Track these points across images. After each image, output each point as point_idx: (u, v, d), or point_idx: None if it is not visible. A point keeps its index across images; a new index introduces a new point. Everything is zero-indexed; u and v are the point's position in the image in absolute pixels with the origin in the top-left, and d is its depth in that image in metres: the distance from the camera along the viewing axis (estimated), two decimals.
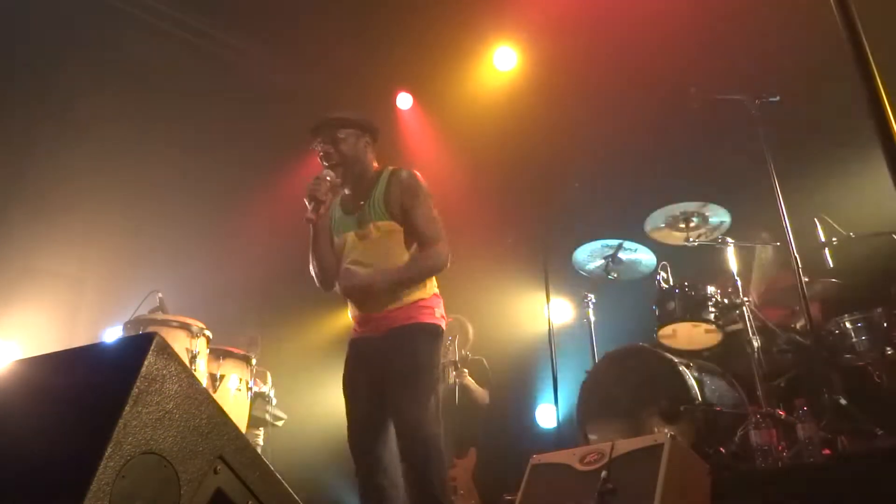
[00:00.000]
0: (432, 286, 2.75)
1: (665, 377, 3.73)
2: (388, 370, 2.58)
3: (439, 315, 2.72)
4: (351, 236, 2.71)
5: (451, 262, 2.71)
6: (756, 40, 4.74)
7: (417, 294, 2.66)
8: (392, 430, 2.57)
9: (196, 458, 1.16)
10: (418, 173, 2.74)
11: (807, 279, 3.61)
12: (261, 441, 4.94)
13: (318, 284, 2.85)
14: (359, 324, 2.76)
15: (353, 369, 2.74)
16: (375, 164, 2.82)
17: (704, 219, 4.16)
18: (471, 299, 5.32)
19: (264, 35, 5.72)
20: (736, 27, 4.78)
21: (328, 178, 2.66)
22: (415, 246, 2.68)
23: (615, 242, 4.53)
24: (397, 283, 2.60)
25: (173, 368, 1.17)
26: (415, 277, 2.63)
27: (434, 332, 2.67)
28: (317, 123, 2.76)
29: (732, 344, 3.99)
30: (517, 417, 5.76)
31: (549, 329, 4.63)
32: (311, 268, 2.82)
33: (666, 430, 3.50)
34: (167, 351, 1.17)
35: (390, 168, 2.77)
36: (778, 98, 3.95)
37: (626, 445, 2.78)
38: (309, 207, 2.61)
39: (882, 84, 1.27)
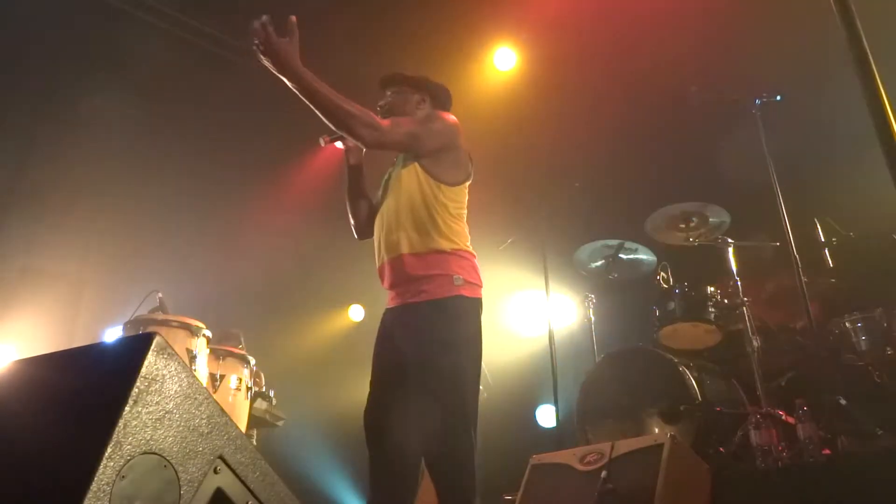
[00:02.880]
0: (457, 241, 2.46)
1: (665, 377, 3.73)
2: (407, 358, 2.30)
3: (461, 282, 2.36)
4: (384, 185, 2.66)
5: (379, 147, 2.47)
6: (757, 40, 4.74)
7: (435, 243, 2.40)
8: (408, 417, 2.31)
9: (196, 458, 1.16)
10: (446, 114, 2.63)
11: (807, 279, 3.61)
12: (253, 441, 4.94)
13: (354, 234, 2.75)
14: (382, 284, 2.55)
15: (377, 345, 2.53)
16: None
17: (704, 219, 4.16)
18: None
19: None
20: (736, 27, 4.77)
21: None
22: (427, 179, 2.50)
23: (615, 242, 4.54)
24: (305, 80, 2.27)
25: (173, 368, 1.17)
26: (327, 103, 2.29)
27: (454, 308, 2.31)
28: (380, 80, 2.79)
29: (732, 344, 3.99)
30: (517, 417, 5.75)
31: (550, 329, 4.63)
32: (348, 217, 2.76)
33: (666, 430, 3.50)
34: (167, 351, 1.17)
35: None
36: (779, 98, 3.95)
37: (626, 445, 2.78)
38: (330, 134, 2.55)
39: (882, 84, 1.28)
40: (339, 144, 2.68)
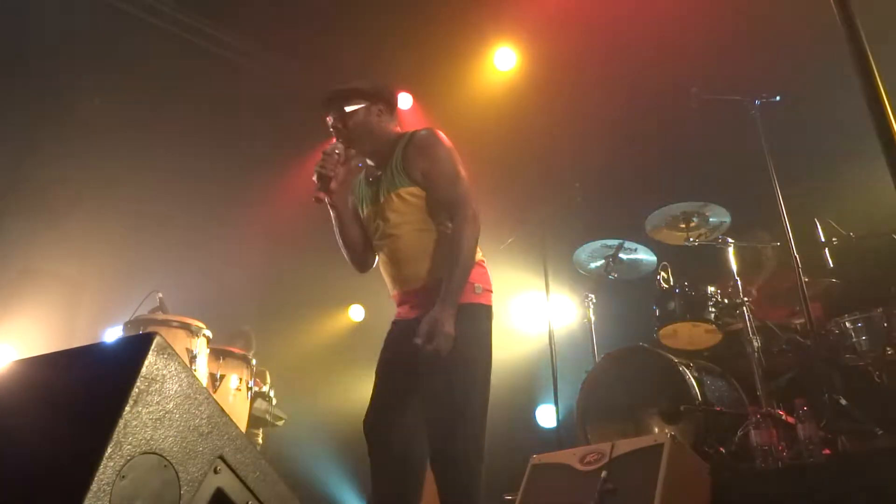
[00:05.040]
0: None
1: (665, 377, 3.73)
2: (419, 361, 2.27)
3: (480, 290, 2.37)
4: (374, 209, 2.51)
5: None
6: (756, 40, 4.74)
7: None
8: (411, 417, 2.32)
9: (196, 458, 1.16)
10: (439, 131, 2.48)
11: (807, 279, 3.61)
12: (259, 440, 4.94)
13: (353, 267, 2.65)
14: (397, 304, 2.51)
15: (386, 349, 2.49)
16: (398, 129, 2.60)
17: (704, 219, 4.16)
18: None
19: (264, 36, 5.73)
20: (736, 27, 4.78)
21: (336, 152, 2.45)
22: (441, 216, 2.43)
23: (615, 242, 4.53)
24: (457, 290, 2.27)
25: (173, 368, 1.17)
26: (465, 269, 2.30)
27: (473, 314, 2.32)
28: (325, 97, 2.55)
29: (732, 344, 3.99)
30: (517, 417, 5.75)
31: (550, 329, 4.63)
32: (344, 254, 2.64)
33: (666, 430, 3.50)
34: (167, 351, 1.17)
35: (410, 132, 2.55)
36: (778, 98, 3.95)
37: (626, 445, 2.78)
38: (317, 185, 2.41)
39: (882, 84, 1.27)
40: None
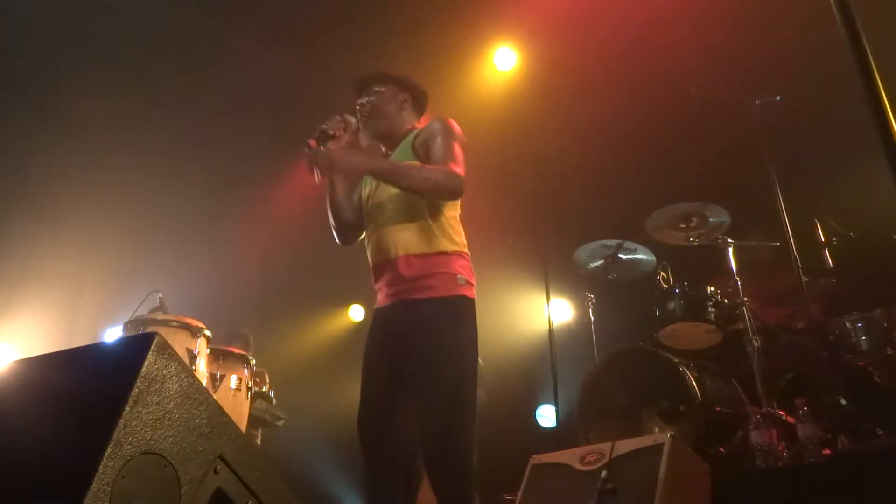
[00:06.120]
0: (458, 241, 2.48)
1: (665, 377, 3.74)
2: (408, 356, 2.30)
3: (464, 281, 2.39)
4: (375, 183, 2.57)
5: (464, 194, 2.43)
6: (756, 40, 4.74)
7: (439, 243, 2.41)
8: (402, 413, 2.32)
9: (196, 458, 1.16)
10: (453, 121, 2.58)
11: (807, 279, 3.61)
12: (259, 440, 4.94)
13: (336, 240, 2.68)
14: (376, 283, 2.50)
15: (371, 345, 2.47)
16: (417, 125, 2.69)
17: (704, 219, 4.16)
18: None
19: (264, 37, 5.72)
20: (736, 27, 4.78)
21: (346, 119, 2.56)
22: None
23: (615, 242, 4.53)
24: (391, 167, 2.40)
25: (173, 368, 1.17)
26: (414, 178, 2.36)
27: (459, 307, 2.35)
28: (359, 77, 2.70)
29: (732, 344, 3.99)
30: (517, 417, 5.76)
31: (550, 329, 4.63)
32: (330, 222, 2.66)
33: (666, 430, 3.50)
34: (167, 351, 1.17)
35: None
36: (778, 98, 3.95)
37: (626, 445, 2.78)
38: (316, 135, 2.48)
39: (882, 84, 1.27)
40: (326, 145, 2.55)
